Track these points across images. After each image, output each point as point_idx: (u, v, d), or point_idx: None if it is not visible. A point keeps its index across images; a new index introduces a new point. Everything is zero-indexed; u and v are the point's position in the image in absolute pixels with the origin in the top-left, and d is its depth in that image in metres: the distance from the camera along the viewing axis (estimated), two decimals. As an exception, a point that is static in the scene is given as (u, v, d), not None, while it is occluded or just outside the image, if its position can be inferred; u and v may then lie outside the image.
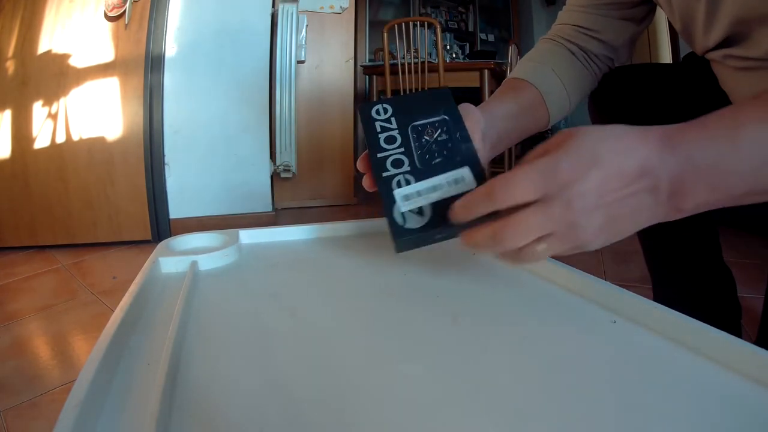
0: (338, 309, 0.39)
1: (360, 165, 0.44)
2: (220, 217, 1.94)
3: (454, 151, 0.41)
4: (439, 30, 2.25)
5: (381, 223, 0.60)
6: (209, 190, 1.93)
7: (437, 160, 0.40)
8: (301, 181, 2.29)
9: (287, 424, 0.25)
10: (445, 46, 3.34)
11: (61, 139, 1.74)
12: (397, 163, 0.40)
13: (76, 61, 1.73)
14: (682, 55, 0.76)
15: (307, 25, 2.11)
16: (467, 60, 2.94)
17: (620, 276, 1.34)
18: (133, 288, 0.40)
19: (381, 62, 2.51)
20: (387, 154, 0.41)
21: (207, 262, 0.48)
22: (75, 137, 1.75)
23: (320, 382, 0.29)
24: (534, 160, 0.31)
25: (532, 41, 4.19)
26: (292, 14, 1.95)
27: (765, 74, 0.47)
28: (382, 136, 0.42)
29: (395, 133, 0.42)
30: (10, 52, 1.72)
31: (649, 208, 0.31)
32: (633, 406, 0.25)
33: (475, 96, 2.48)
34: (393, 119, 0.43)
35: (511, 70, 2.61)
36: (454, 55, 3.27)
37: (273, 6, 1.97)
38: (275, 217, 2.05)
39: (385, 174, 0.39)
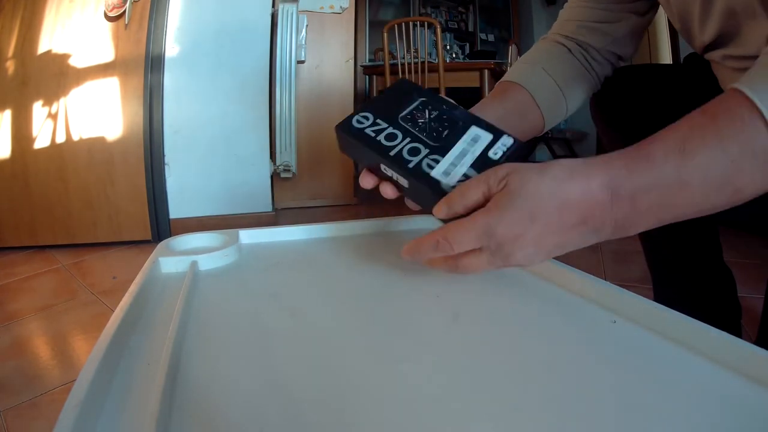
0: (338, 309, 0.39)
1: (365, 181, 0.43)
2: (220, 217, 1.94)
3: (453, 119, 0.43)
4: (439, 30, 2.25)
5: (381, 223, 0.60)
6: (209, 190, 1.93)
7: (445, 133, 0.42)
8: (301, 181, 2.29)
9: (287, 424, 0.25)
10: (445, 46, 3.35)
11: (61, 139, 1.74)
12: (413, 152, 0.40)
13: (76, 61, 1.73)
14: (682, 56, 0.76)
15: (307, 25, 2.11)
16: (467, 60, 2.94)
17: (620, 276, 1.34)
18: (133, 288, 0.40)
19: (381, 62, 2.51)
20: (398, 148, 0.40)
21: (207, 262, 0.48)
22: (75, 137, 1.75)
23: (320, 382, 0.29)
24: (472, 219, 0.33)
25: (532, 41, 4.19)
26: (292, 14, 1.95)
27: None
28: (381, 138, 0.41)
29: (391, 129, 0.42)
30: (10, 52, 1.72)
31: (591, 240, 0.33)
32: (633, 406, 0.25)
33: (475, 96, 2.48)
34: (379, 120, 0.43)
35: (511, 70, 2.61)
36: (454, 55, 3.27)
37: (273, 6, 1.97)
38: (275, 217, 2.05)
39: (410, 165, 0.39)
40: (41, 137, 1.74)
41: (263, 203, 2.03)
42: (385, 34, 2.35)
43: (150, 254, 0.49)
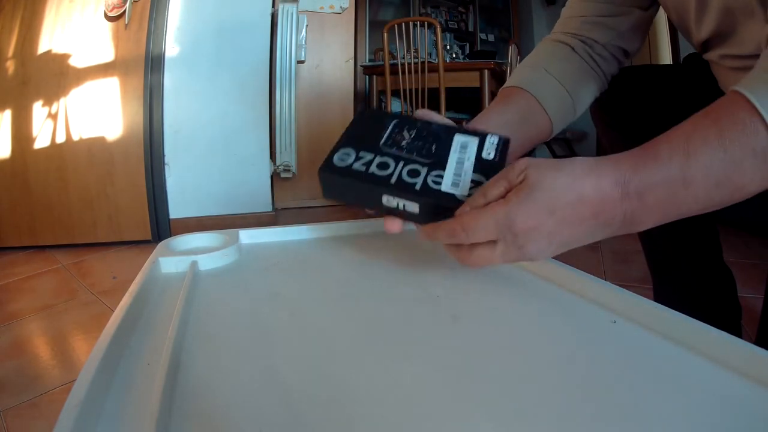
0: (338, 309, 0.39)
1: (391, 225, 0.41)
2: (220, 217, 1.94)
3: (433, 134, 0.42)
4: (439, 30, 2.25)
5: (381, 223, 0.60)
6: (209, 190, 1.93)
7: (433, 148, 0.41)
8: (301, 181, 2.29)
9: (287, 424, 0.25)
10: (445, 46, 3.35)
11: (61, 138, 1.74)
12: (413, 173, 0.39)
13: (76, 61, 1.73)
14: (682, 56, 0.75)
15: (307, 25, 2.11)
16: (467, 60, 2.94)
17: (620, 276, 1.34)
18: (133, 288, 0.40)
19: (381, 62, 2.51)
20: (396, 175, 0.38)
21: (207, 262, 0.48)
22: (75, 137, 1.75)
23: (320, 382, 0.29)
24: (491, 208, 0.34)
25: (532, 41, 4.19)
26: (292, 14, 1.95)
27: None
28: (373, 169, 0.39)
29: (379, 158, 0.40)
30: (10, 52, 1.72)
31: (600, 235, 0.34)
32: (633, 406, 0.25)
33: (475, 96, 2.48)
34: (363, 153, 0.40)
35: (511, 71, 2.61)
36: (454, 55, 3.27)
37: (273, 6, 1.97)
38: (275, 217, 2.05)
39: (417, 186, 0.38)
40: (41, 137, 1.74)
41: (263, 203, 2.03)
42: (385, 34, 2.35)
43: (150, 254, 0.49)
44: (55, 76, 1.72)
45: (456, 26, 4.30)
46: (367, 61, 3.63)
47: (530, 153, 0.53)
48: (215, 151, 1.92)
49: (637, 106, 0.66)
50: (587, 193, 0.32)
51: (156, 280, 0.45)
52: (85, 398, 0.25)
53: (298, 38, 2.01)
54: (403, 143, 0.41)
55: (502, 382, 0.28)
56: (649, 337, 0.32)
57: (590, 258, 1.45)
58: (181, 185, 1.86)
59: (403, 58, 2.36)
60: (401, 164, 0.39)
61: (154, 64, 1.76)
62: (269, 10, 1.95)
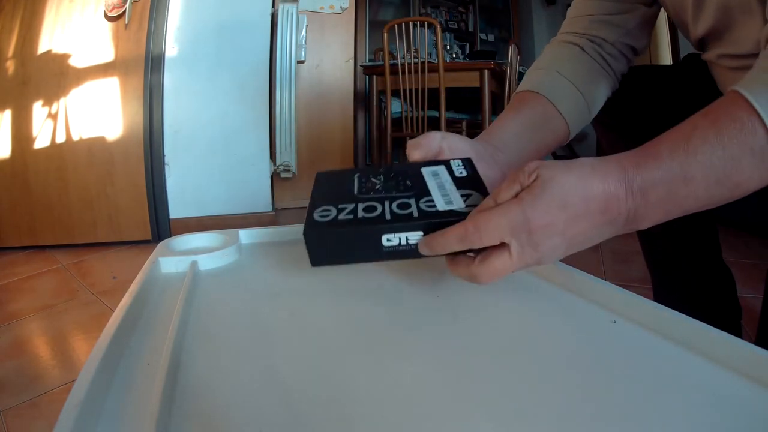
0: (338, 309, 0.39)
1: (425, 247, 0.39)
2: (220, 217, 1.94)
3: (400, 172, 0.43)
4: (439, 30, 2.25)
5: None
6: (209, 190, 1.93)
7: (407, 182, 0.41)
8: (301, 181, 2.29)
9: (287, 424, 0.25)
10: (445, 46, 3.35)
11: (61, 138, 1.74)
12: (404, 206, 0.38)
13: (76, 61, 1.73)
14: (682, 56, 0.75)
15: (307, 25, 2.11)
16: (467, 60, 2.94)
17: (620, 276, 1.34)
18: (133, 288, 0.40)
19: (381, 62, 2.51)
20: (389, 211, 0.37)
21: (207, 262, 0.48)
22: (75, 137, 1.75)
23: (320, 382, 0.29)
24: (505, 207, 0.33)
25: (532, 41, 4.19)
26: (292, 14, 1.95)
27: None
28: (363, 215, 0.37)
29: (362, 204, 0.38)
30: (10, 52, 1.72)
31: (606, 233, 0.35)
32: (633, 406, 0.25)
33: (475, 96, 2.48)
34: (342, 206, 0.39)
35: (511, 71, 2.61)
36: (454, 55, 3.27)
37: (273, 6, 1.97)
38: (275, 217, 2.05)
39: (414, 214, 0.37)
40: (41, 137, 1.74)
41: (263, 203, 2.03)
42: (385, 34, 2.35)
43: (150, 254, 0.49)
44: (55, 76, 1.72)
45: (456, 26, 4.30)
46: (367, 61, 3.63)
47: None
48: (215, 151, 1.92)
49: (636, 107, 0.66)
50: (595, 190, 0.33)
51: (156, 280, 0.45)
52: (85, 398, 0.25)
53: (298, 38, 2.01)
54: (377, 187, 0.41)
55: (502, 382, 0.28)
56: (649, 337, 0.33)
57: (590, 258, 1.45)
58: (181, 185, 1.86)
59: (403, 58, 2.36)
60: (387, 202, 0.38)
61: (154, 64, 1.76)
62: (269, 10, 1.95)
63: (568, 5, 0.64)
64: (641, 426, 0.24)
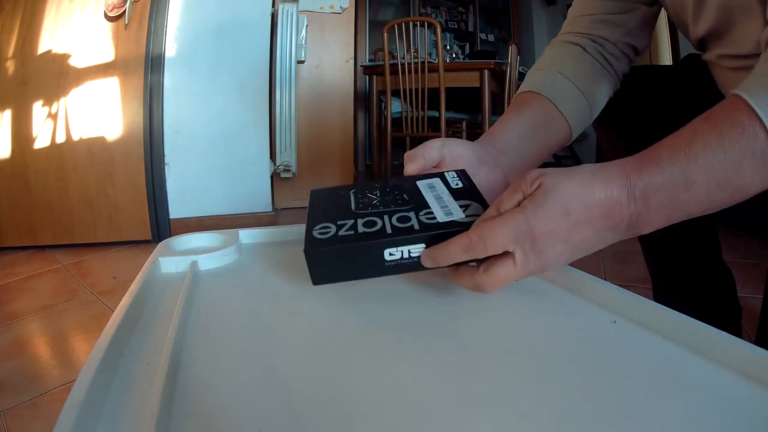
0: (338, 309, 0.39)
1: (437, 259, 0.38)
2: (220, 217, 1.94)
3: (396, 186, 0.43)
4: (439, 30, 2.25)
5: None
6: (209, 190, 1.93)
7: (404, 196, 0.41)
8: (301, 181, 2.29)
9: (287, 424, 0.25)
10: (445, 46, 3.34)
11: (61, 138, 1.74)
12: (404, 219, 0.37)
13: (76, 61, 1.73)
14: (682, 56, 0.75)
15: (307, 25, 2.11)
16: (467, 60, 2.94)
17: (620, 276, 1.34)
18: (133, 288, 0.40)
19: (381, 62, 2.51)
20: (389, 226, 0.37)
21: (207, 262, 0.48)
22: (75, 137, 1.75)
23: (320, 382, 0.29)
24: (508, 216, 0.34)
25: (532, 41, 4.19)
26: (292, 14, 1.95)
27: None
28: (363, 230, 0.37)
29: (362, 220, 0.38)
30: (10, 52, 1.72)
31: (609, 239, 0.35)
32: (633, 406, 0.25)
33: (475, 96, 2.48)
34: (341, 222, 0.38)
35: (511, 71, 2.61)
36: (454, 55, 3.27)
37: (273, 6, 1.97)
38: (275, 217, 2.05)
39: (416, 226, 0.36)
40: (41, 137, 1.74)
41: (263, 203, 2.03)
42: (385, 34, 2.35)
43: (150, 254, 0.49)
44: (55, 76, 1.72)
45: (456, 26, 4.30)
46: (367, 61, 3.64)
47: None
48: (215, 151, 1.92)
49: (636, 107, 0.66)
50: (597, 196, 0.33)
51: (156, 280, 0.45)
52: (85, 398, 0.25)
53: (298, 38, 2.01)
54: (375, 202, 0.41)
55: (502, 382, 0.28)
56: (649, 337, 0.33)
57: (590, 258, 1.45)
58: (181, 185, 1.86)
59: (403, 58, 2.36)
60: (386, 217, 0.38)
61: (154, 64, 1.76)
62: (269, 10, 1.95)
63: (569, 5, 0.63)
64: (641, 426, 0.24)
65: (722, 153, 0.31)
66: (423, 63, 2.31)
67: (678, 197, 0.33)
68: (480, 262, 0.35)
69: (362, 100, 3.60)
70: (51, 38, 1.72)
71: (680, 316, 0.32)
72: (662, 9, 0.59)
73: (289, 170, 2.13)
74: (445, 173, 0.43)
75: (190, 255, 0.48)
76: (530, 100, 0.54)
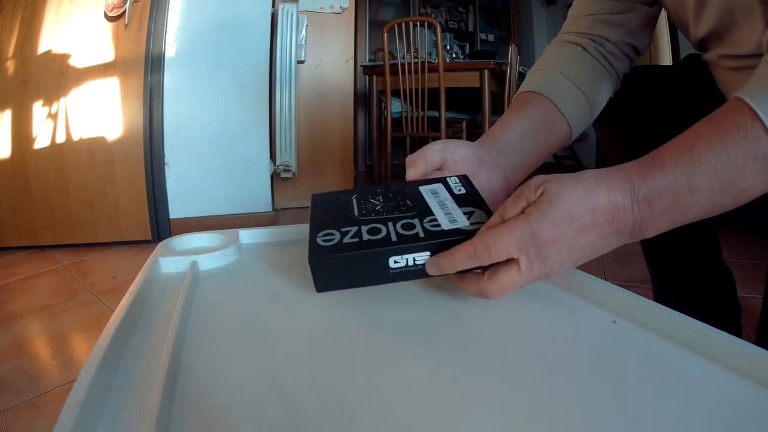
0: (338, 309, 0.39)
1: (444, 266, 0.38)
2: (220, 217, 1.94)
3: (399, 191, 0.43)
4: (439, 30, 2.25)
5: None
6: (209, 190, 1.93)
7: (408, 202, 0.41)
8: (301, 181, 2.29)
9: (287, 424, 0.25)
10: (445, 46, 3.35)
11: (61, 138, 1.74)
12: (408, 227, 0.37)
13: (76, 61, 1.73)
14: (682, 56, 0.75)
15: (307, 25, 2.11)
16: (467, 60, 2.94)
17: (620, 276, 1.34)
18: (133, 288, 0.40)
19: (381, 62, 2.51)
20: (394, 233, 0.37)
21: (207, 262, 0.48)
22: (75, 137, 1.75)
23: (320, 382, 0.29)
24: (513, 223, 0.34)
25: (532, 41, 4.19)
26: (292, 14, 1.95)
27: None
28: (368, 237, 0.37)
29: (366, 227, 0.38)
30: (10, 52, 1.72)
31: (614, 243, 0.35)
32: (633, 406, 0.25)
33: (475, 96, 2.48)
34: (345, 229, 0.38)
35: (511, 71, 2.61)
36: (454, 55, 3.27)
37: (273, 6, 1.97)
38: (275, 217, 2.05)
39: (420, 234, 0.36)
40: (41, 137, 1.74)
41: (263, 203, 2.03)
42: (385, 34, 2.35)
43: (150, 254, 0.49)
44: (55, 76, 1.72)
45: (456, 26, 4.31)
46: (367, 61, 3.64)
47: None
48: (215, 151, 1.92)
49: (637, 107, 0.66)
50: (600, 201, 0.33)
51: (156, 280, 0.45)
52: (85, 398, 0.25)
53: (298, 38, 2.01)
54: (378, 208, 0.41)
55: (501, 382, 0.28)
56: (649, 337, 0.33)
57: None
58: (181, 185, 1.86)
59: (403, 58, 2.36)
60: (391, 223, 0.38)
61: (154, 64, 1.76)
62: (269, 10, 1.95)
63: (569, 5, 0.63)
64: (641, 426, 0.24)
65: (725, 156, 0.32)
66: (423, 63, 2.31)
67: (681, 201, 0.33)
68: (485, 269, 0.36)
69: (362, 100, 3.60)
70: (51, 38, 1.72)
71: (680, 316, 0.32)
72: (662, 9, 0.59)
73: (289, 170, 2.13)
74: (448, 178, 0.43)
75: (190, 255, 0.48)
76: (531, 100, 0.54)
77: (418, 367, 0.30)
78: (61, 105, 1.73)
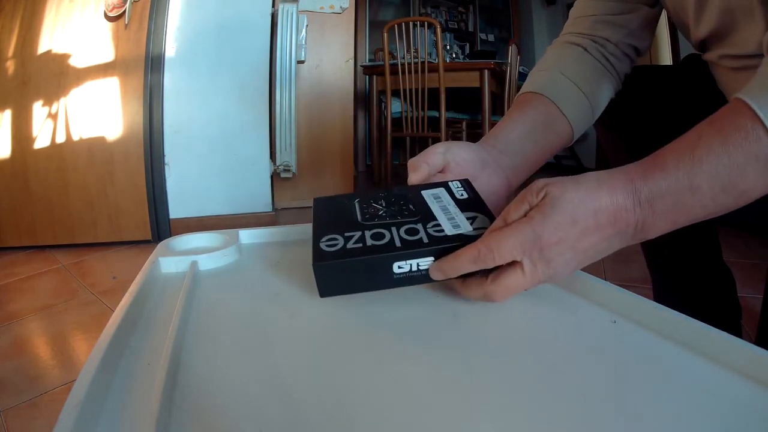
0: (338, 308, 0.39)
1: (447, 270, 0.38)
2: (220, 217, 1.94)
3: (402, 196, 0.43)
4: (439, 30, 2.25)
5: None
6: (209, 190, 1.93)
7: (410, 207, 0.41)
8: (301, 181, 2.29)
9: (287, 424, 0.25)
10: (445, 46, 3.35)
11: (61, 138, 1.74)
12: (412, 232, 0.38)
13: (76, 61, 1.73)
14: (682, 56, 0.75)
15: (307, 25, 2.11)
16: (467, 60, 2.94)
17: (620, 276, 1.34)
18: (133, 288, 0.40)
19: (381, 62, 2.51)
20: (398, 239, 0.37)
21: (207, 262, 0.48)
22: (75, 137, 1.75)
23: (320, 382, 0.29)
24: (516, 226, 0.34)
25: (532, 41, 4.19)
26: (292, 14, 1.95)
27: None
28: (372, 242, 0.37)
29: (369, 232, 0.38)
30: (10, 52, 1.72)
31: (616, 244, 0.36)
32: (633, 407, 0.25)
33: (475, 96, 2.48)
34: (349, 234, 0.38)
35: (511, 71, 2.61)
36: (454, 55, 3.27)
37: (273, 6, 1.97)
38: (275, 217, 2.05)
39: (424, 240, 0.37)
40: (41, 137, 1.74)
41: (263, 203, 2.03)
42: (385, 34, 2.36)
43: (150, 254, 0.49)
44: (55, 76, 1.72)
45: (456, 26, 4.31)
46: (367, 61, 3.64)
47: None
48: (215, 151, 1.92)
49: (637, 107, 0.66)
50: (603, 203, 0.33)
51: (156, 280, 0.45)
52: (85, 398, 0.25)
53: (298, 38, 2.01)
54: (381, 212, 0.41)
55: (501, 382, 0.28)
56: (649, 337, 0.33)
57: (590, 258, 1.45)
58: (181, 185, 1.86)
59: (403, 58, 2.36)
60: (394, 228, 0.38)
61: (154, 64, 1.76)
62: (269, 10, 1.95)
63: (569, 5, 0.63)
64: (641, 426, 0.24)
65: (726, 157, 0.32)
66: (423, 63, 2.31)
67: (683, 202, 0.33)
68: (488, 272, 0.36)
69: (362, 100, 3.60)
70: (51, 38, 1.72)
71: (680, 316, 0.32)
72: (663, 10, 0.59)
73: (289, 170, 2.13)
74: (450, 183, 0.43)
75: (190, 255, 0.48)
76: (532, 100, 0.54)
77: (418, 367, 0.30)
78: (61, 105, 1.73)
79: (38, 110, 1.73)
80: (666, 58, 2.63)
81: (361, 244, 0.36)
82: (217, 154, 1.92)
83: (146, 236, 1.83)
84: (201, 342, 0.34)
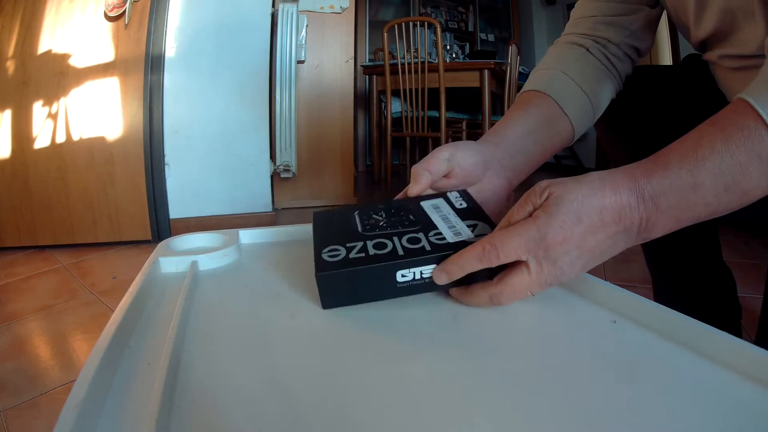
0: (338, 309, 0.39)
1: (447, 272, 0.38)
2: (220, 217, 1.94)
3: (401, 206, 0.43)
4: (439, 30, 2.25)
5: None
6: (209, 190, 1.93)
7: (411, 217, 0.41)
8: (301, 181, 2.29)
9: (287, 424, 0.25)
10: (445, 46, 3.35)
11: (61, 139, 1.74)
12: (414, 241, 0.38)
13: (76, 61, 1.73)
14: (682, 56, 0.75)
15: (307, 25, 2.11)
16: (467, 60, 2.94)
17: (620, 276, 1.34)
18: (133, 288, 0.40)
19: (381, 62, 2.51)
20: (400, 248, 0.37)
21: (207, 262, 0.48)
22: (75, 137, 1.75)
23: (320, 382, 0.29)
24: (520, 226, 0.34)
25: (532, 41, 4.19)
26: (292, 14, 1.95)
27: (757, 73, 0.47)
28: (374, 252, 0.37)
29: (371, 242, 0.38)
30: (10, 52, 1.72)
31: (621, 244, 0.36)
32: (633, 407, 0.25)
33: (475, 96, 2.48)
34: (351, 244, 0.38)
35: (511, 71, 2.61)
36: (454, 55, 3.27)
37: (273, 6, 1.97)
38: (275, 217, 2.05)
39: (427, 248, 0.37)
40: (41, 137, 1.74)
41: (263, 203, 2.03)
42: (385, 34, 2.36)
43: (150, 254, 0.49)
44: (55, 76, 1.72)
45: (456, 26, 4.31)
46: (367, 61, 3.64)
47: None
48: (215, 151, 1.92)
49: (638, 107, 0.66)
50: (607, 201, 0.34)
51: (156, 280, 0.45)
52: (85, 398, 0.25)
53: (298, 38, 2.01)
54: (382, 223, 0.41)
55: (501, 382, 0.28)
56: (649, 337, 0.33)
57: (590, 258, 1.45)
58: (181, 185, 1.86)
59: (403, 58, 2.36)
60: (396, 238, 0.38)
61: (154, 64, 1.76)
62: (269, 10, 1.95)
63: (569, 6, 0.64)
64: (641, 426, 0.24)
65: (729, 156, 0.32)
66: (423, 63, 2.31)
67: (687, 199, 0.33)
68: (492, 277, 0.36)
69: (362, 100, 3.61)
70: (51, 38, 1.72)
71: (680, 316, 0.32)
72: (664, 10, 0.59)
73: (289, 170, 2.13)
74: (448, 193, 0.44)
75: (190, 255, 0.48)
76: (534, 98, 0.54)
77: (418, 367, 0.30)
78: (61, 105, 1.73)
79: (38, 110, 1.73)
80: (666, 59, 2.63)
81: (363, 254, 0.37)
82: (217, 154, 1.92)
83: (146, 236, 1.83)
84: (201, 342, 0.34)
